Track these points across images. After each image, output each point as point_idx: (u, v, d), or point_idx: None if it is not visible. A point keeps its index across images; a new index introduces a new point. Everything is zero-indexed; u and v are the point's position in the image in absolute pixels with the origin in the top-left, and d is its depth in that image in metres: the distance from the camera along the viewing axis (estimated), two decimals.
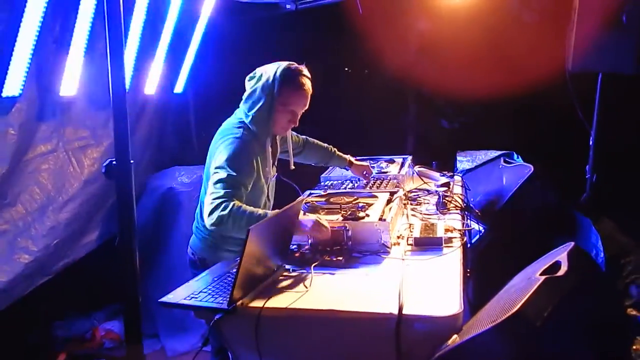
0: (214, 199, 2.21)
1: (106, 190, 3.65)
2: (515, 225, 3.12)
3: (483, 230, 2.84)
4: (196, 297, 1.90)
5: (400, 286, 1.83)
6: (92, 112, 3.51)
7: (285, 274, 2.10)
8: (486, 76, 4.35)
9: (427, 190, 3.16)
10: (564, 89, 3.63)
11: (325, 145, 3.16)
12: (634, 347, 2.82)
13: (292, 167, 2.79)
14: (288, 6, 4.48)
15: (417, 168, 3.49)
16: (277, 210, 2.10)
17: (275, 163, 2.70)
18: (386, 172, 3.40)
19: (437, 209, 2.80)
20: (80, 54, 3.13)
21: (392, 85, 5.07)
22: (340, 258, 2.17)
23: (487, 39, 4.52)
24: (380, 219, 2.35)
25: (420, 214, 2.79)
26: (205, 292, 1.94)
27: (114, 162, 1.61)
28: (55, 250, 3.31)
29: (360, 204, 2.59)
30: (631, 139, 4.04)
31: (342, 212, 2.46)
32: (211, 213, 2.19)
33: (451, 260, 2.15)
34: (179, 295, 1.94)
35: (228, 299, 1.79)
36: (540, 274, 1.55)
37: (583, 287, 1.54)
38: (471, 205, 2.89)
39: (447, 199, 2.89)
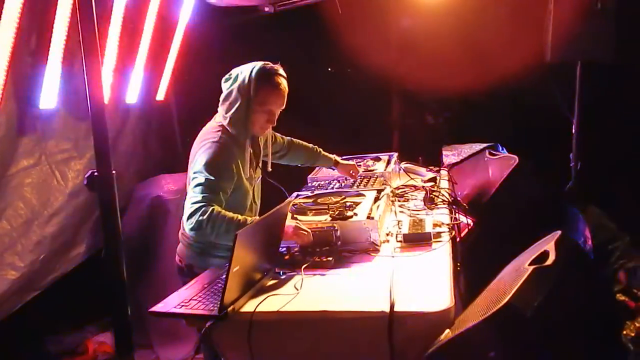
0: (193, 203, 2.20)
1: (92, 202, 3.61)
2: (503, 217, 3.14)
3: (471, 224, 2.85)
4: (187, 305, 1.88)
5: (391, 284, 1.82)
6: (74, 124, 3.47)
7: (276, 277, 2.09)
8: (468, 70, 4.38)
9: (414, 186, 3.16)
10: (544, 79, 3.67)
11: (311, 145, 3.15)
12: (624, 332, 2.85)
13: (269, 168, 2.75)
14: (266, 9, 4.46)
15: (403, 164, 3.49)
16: (256, 217, 2.09)
17: (260, 165, 2.68)
18: (372, 170, 3.40)
19: (425, 205, 2.80)
20: (58, 66, 3.10)
21: (375, 83, 5.08)
22: (330, 258, 2.16)
23: (467, 34, 4.55)
24: (368, 217, 2.34)
25: (409, 210, 2.79)
26: (195, 300, 1.92)
27: (96, 173, 1.59)
28: (43, 265, 3.26)
29: (348, 203, 2.59)
30: (613, 125, 4.09)
31: (330, 212, 2.45)
32: (190, 217, 2.18)
33: (441, 255, 2.16)
34: (170, 303, 1.92)
35: (219, 306, 1.78)
36: (529, 264, 1.56)
37: (571, 276, 1.54)
38: (458, 199, 2.90)
39: (434, 194, 2.89)
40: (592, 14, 3.56)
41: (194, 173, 2.30)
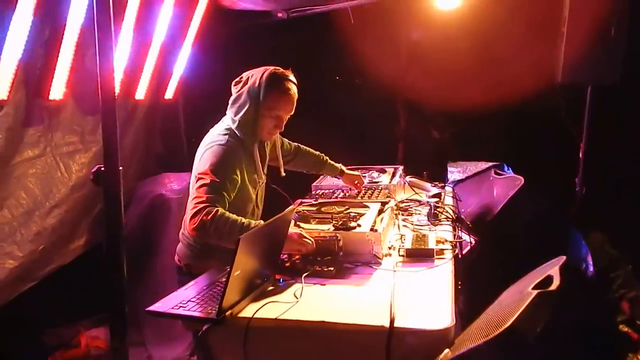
0: (197, 203, 2.19)
1: (94, 196, 3.61)
2: (506, 238, 3.12)
3: (474, 242, 2.83)
4: (184, 307, 1.87)
5: (392, 298, 1.81)
6: (81, 117, 3.46)
7: (276, 284, 2.07)
8: (476, 86, 4.37)
9: (419, 201, 3.14)
10: (554, 100, 3.66)
11: (317, 153, 3.15)
12: None
13: (283, 173, 2.77)
14: (280, 14, 4.47)
15: (408, 178, 3.48)
16: (260, 222, 2.07)
17: (265, 170, 2.68)
18: (377, 182, 3.38)
19: (429, 220, 2.79)
20: (69, 59, 3.10)
21: (383, 95, 5.07)
22: (332, 268, 2.15)
23: (478, 50, 4.55)
24: (371, 230, 2.33)
25: (412, 224, 2.77)
26: (193, 302, 1.91)
27: (103, 169, 1.58)
28: (42, 256, 3.25)
29: (352, 214, 2.58)
30: (621, 152, 4.07)
31: (334, 222, 2.44)
32: (193, 217, 2.17)
33: (443, 273, 2.14)
34: (167, 304, 1.91)
35: (217, 309, 1.76)
36: (533, 288, 1.54)
37: (575, 303, 1.53)
38: (462, 216, 2.88)
39: (438, 210, 2.88)
40: (604, 39, 3.56)
41: (199, 174, 2.29)
